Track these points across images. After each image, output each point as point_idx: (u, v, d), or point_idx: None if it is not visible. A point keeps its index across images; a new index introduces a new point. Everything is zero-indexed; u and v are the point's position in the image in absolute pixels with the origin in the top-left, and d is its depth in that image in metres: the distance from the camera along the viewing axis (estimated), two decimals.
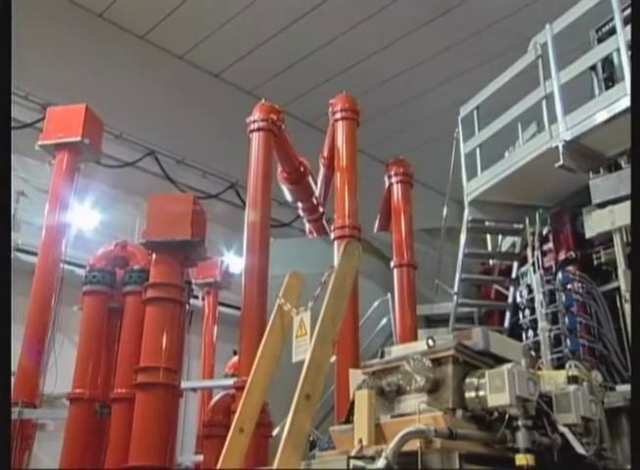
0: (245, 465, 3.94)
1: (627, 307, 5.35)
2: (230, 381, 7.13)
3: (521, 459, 3.27)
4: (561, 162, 6.98)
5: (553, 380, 3.98)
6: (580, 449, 3.47)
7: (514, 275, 8.37)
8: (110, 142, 12.27)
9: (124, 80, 14.46)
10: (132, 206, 12.94)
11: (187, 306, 7.31)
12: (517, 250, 8.60)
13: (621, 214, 5.53)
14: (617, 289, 6.15)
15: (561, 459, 3.47)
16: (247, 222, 6.82)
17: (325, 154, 9.44)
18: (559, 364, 6.01)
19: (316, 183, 9.84)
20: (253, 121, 7.36)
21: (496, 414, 3.45)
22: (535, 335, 7.03)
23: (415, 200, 8.93)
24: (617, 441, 4.22)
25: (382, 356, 3.99)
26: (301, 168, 8.93)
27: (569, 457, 3.49)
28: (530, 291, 7.24)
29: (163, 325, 6.52)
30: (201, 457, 8.01)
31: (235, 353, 8.08)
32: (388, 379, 3.76)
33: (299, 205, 9.86)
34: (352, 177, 7.45)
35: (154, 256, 6.86)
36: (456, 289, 8.06)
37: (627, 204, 5.75)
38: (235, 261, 12.38)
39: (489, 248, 9.72)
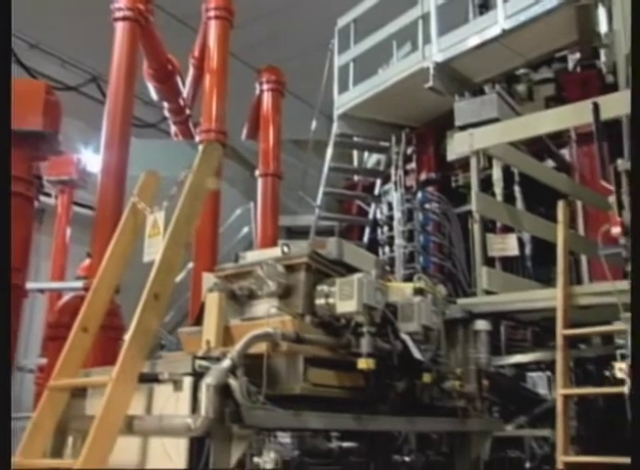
0: (88, 365, 3.81)
1: (476, 228, 5.61)
2: (80, 283, 6.84)
3: (362, 363, 3.39)
4: (430, 83, 7.10)
5: (401, 291, 4.13)
6: (418, 355, 3.65)
7: (376, 192, 8.58)
8: None
9: None
10: None
11: (36, 203, 6.84)
12: (381, 167, 8.78)
13: (480, 138, 5.71)
14: (471, 211, 6.43)
15: (400, 363, 3.64)
16: (106, 117, 6.40)
17: (195, 54, 9.01)
18: (410, 279, 6.28)
19: (185, 84, 9.40)
20: (118, 9, 6.80)
21: (343, 321, 3.53)
22: (391, 251, 7.30)
23: (285, 110, 8.78)
24: (452, 348, 4.51)
25: (236, 261, 3.95)
26: (169, 66, 8.46)
27: (407, 361, 3.66)
28: (390, 208, 7.46)
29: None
30: (45, 360, 7.74)
31: (89, 256, 7.74)
32: (241, 283, 3.73)
33: (166, 105, 9.41)
34: (222, 80, 7.16)
35: None
36: (319, 202, 8.14)
37: (487, 128, 5.96)
38: (93, 160, 11.71)
39: (355, 164, 9.86)
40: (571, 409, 4.85)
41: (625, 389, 2.43)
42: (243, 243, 8.38)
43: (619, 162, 2.62)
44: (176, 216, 3.49)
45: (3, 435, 2.66)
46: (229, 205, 7.62)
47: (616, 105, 4.63)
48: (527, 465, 5.48)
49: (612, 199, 2.61)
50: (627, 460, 2.98)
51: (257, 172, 8.15)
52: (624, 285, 2.73)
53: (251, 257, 3.99)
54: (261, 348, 3.19)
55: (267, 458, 4.76)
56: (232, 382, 2.93)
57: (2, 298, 2.98)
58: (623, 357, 2.55)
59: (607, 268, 3.12)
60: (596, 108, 4.27)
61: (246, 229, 8.50)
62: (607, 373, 4.93)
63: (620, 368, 2.45)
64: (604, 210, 3.56)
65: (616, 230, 2.60)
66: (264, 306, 3.56)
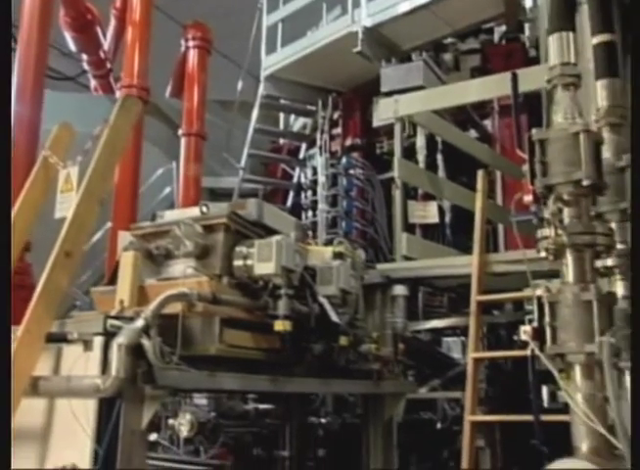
0: None
1: (398, 194, 5.66)
2: None
3: (279, 325, 3.39)
4: (358, 47, 7.05)
5: (320, 255, 4.13)
6: (335, 318, 3.67)
7: (301, 156, 8.52)
8: None
9: None
10: None
11: None
12: (307, 131, 8.72)
13: (405, 105, 5.73)
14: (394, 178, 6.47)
15: (317, 326, 3.65)
16: (17, 66, 6.07)
17: (117, 4, 8.65)
18: (331, 244, 6.29)
19: (106, 36, 9.03)
20: None
21: (261, 283, 3.50)
22: (315, 216, 7.28)
23: (212, 69, 8.57)
24: (369, 313, 4.57)
25: (153, 220, 3.85)
26: (88, 16, 8.09)
27: (325, 324, 3.68)
28: (315, 173, 7.43)
29: None
30: None
31: None
32: (158, 242, 3.64)
33: (85, 57, 9.01)
34: (145, 34, 6.91)
35: None
36: (243, 164, 8.03)
37: (412, 95, 6.00)
38: None
39: (281, 127, 9.76)
40: (482, 372, 5.03)
41: (528, 351, 2.53)
42: (164, 203, 8.18)
43: (534, 131, 2.67)
44: (90, 171, 3.35)
45: (3, 435, 2.53)
46: (150, 164, 7.41)
47: (535, 77, 4.73)
48: (439, 426, 5.65)
49: (525, 167, 2.67)
50: (528, 418, 3.14)
51: (180, 132, 7.95)
52: (534, 253, 2.81)
53: (169, 216, 3.89)
54: (177, 308, 3.13)
55: (183, 420, 4.75)
56: (145, 342, 2.86)
57: (2, 296, 2.80)
58: (531, 322, 2.64)
59: (518, 236, 3.21)
60: (514, 78, 4.36)
61: (167, 189, 8.31)
62: (516, 337, 5.14)
63: (525, 331, 2.54)
64: (521, 179, 3.64)
65: (527, 198, 2.67)
66: (181, 267, 3.49)
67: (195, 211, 3.71)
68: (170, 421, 4.85)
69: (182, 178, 7.75)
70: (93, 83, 9.63)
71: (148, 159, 6.94)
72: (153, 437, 4.99)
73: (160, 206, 8.18)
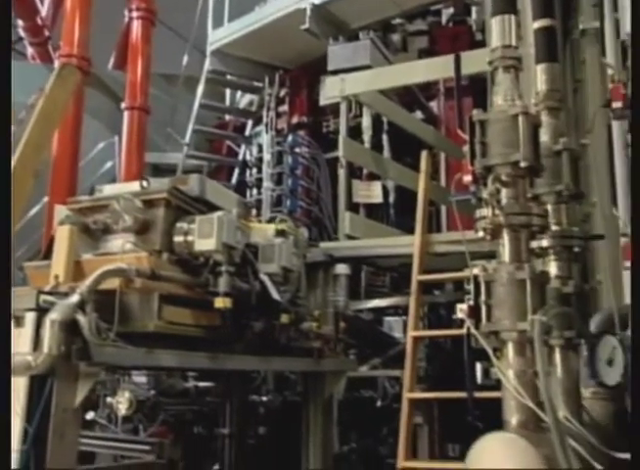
0: None
1: (342, 173, 5.67)
2: None
3: (219, 302, 3.37)
4: (306, 24, 6.98)
5: (263, 232, 4.11)
6: (276, 296, 3.67)
7: (247, 133, 8.44)
8: None
9: None
10: None
11: None
12: (253, 108, 8.63)
13: (351, 84, 5.73)
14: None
15: (258, 303, 3.64)
16: None
17: None
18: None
19: (43, 2, 8.70)
20: None
21: (202, 259, 3.47)
22: (259, 193, 7.24)
23: (156, 42, 8.37)
24: (311, 291, 4.58)
25: (91, 194, 3.75)
26: None
27: (266, 302, 3.68)
28: (261, 150, 7.37)
29: None
30: None
31: None
32: (96, 217, 3.55)
33: (20, 23, 8.65)
34: (86, 1, 6.69)
35: None
36: (187, 140, 7.89)
37: (358, 74, 5.99)
38: None
39: (227, 103, 9.63)
40: (422, 351, 5.12)
41: (464, 330, 2.57)
42: (105, 178, 7.98)
43: (475, 112, 2.69)
44: (24, 142, 3.26)
45: (3, 433, 2.42)
46: (91, 137, 7.22)
47: (479, 60, 4.76)
48: (379, 403, 5.73)
49: (465, 148, 2.70)
50: (463, 395, 3.21)
51: (123, 105, 7.75)
52: (473, 234, 2.85)
53: (108, 190, 3.81)
54: (115, 284, 3.07)
55: (121, 398, 4.69)
56: (80, 318, 2.81)
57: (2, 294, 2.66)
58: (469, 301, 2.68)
59: (459, 216, 3.26)
60: (457, 60, 4.41)
61: (109, 164, 8.11)
62: (455, 317, 5.22)
63: (461, 309, 2.58)
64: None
65: (467, 178, 2.70)
66: (120, 242, 3.41)
67: (135, 186, 3.64)
68: (108, 399, 4.78)
69: (124, 153, 7.57)
70: (30, 51, 9.27)
71: (89, 132, 6.77)
72: (90, 415, 4.92)
73: (101, 180, 7.98)
